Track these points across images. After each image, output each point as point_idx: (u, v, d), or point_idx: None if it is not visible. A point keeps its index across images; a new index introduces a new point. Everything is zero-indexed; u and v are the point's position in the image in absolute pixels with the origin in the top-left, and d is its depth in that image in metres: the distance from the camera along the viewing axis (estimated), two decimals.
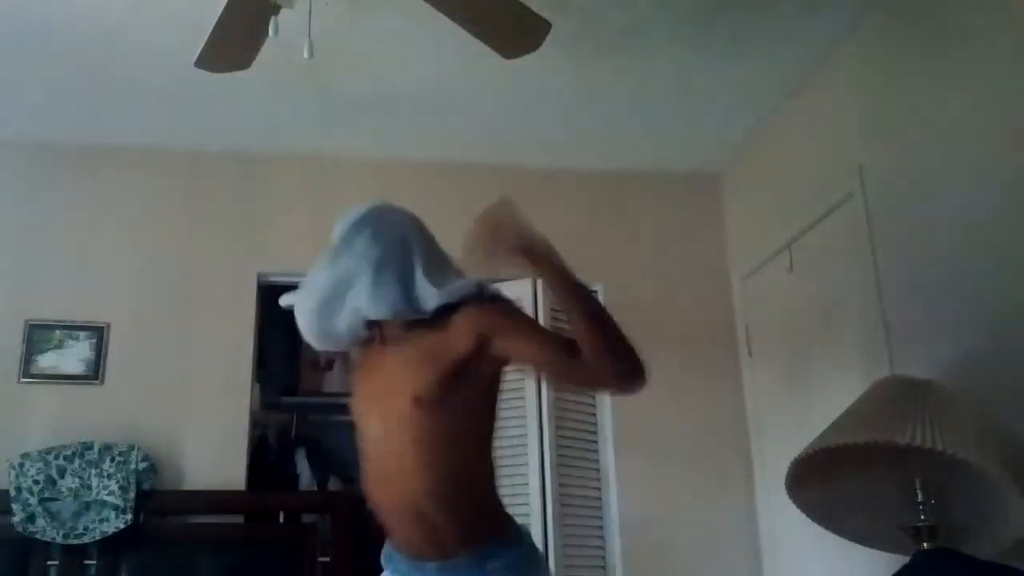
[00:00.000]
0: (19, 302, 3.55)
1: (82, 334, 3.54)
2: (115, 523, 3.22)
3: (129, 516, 3.23)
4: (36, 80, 3.32)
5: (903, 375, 2.52)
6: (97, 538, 3.20)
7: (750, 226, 3.90)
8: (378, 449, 1.87)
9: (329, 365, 4.67)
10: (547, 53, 2.67)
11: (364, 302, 1.90)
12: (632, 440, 3.72)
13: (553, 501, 3.44)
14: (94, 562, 3.23)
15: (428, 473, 1.78)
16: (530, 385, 3.49)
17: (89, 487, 3.25)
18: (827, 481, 2.42)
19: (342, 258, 2.01)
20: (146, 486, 3.31)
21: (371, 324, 1.93)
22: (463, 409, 1.84)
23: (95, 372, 3.52)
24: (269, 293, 3.94)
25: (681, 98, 3.52)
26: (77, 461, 3.28)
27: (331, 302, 1.96)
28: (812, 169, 3.35)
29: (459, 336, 1.82)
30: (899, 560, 2.32)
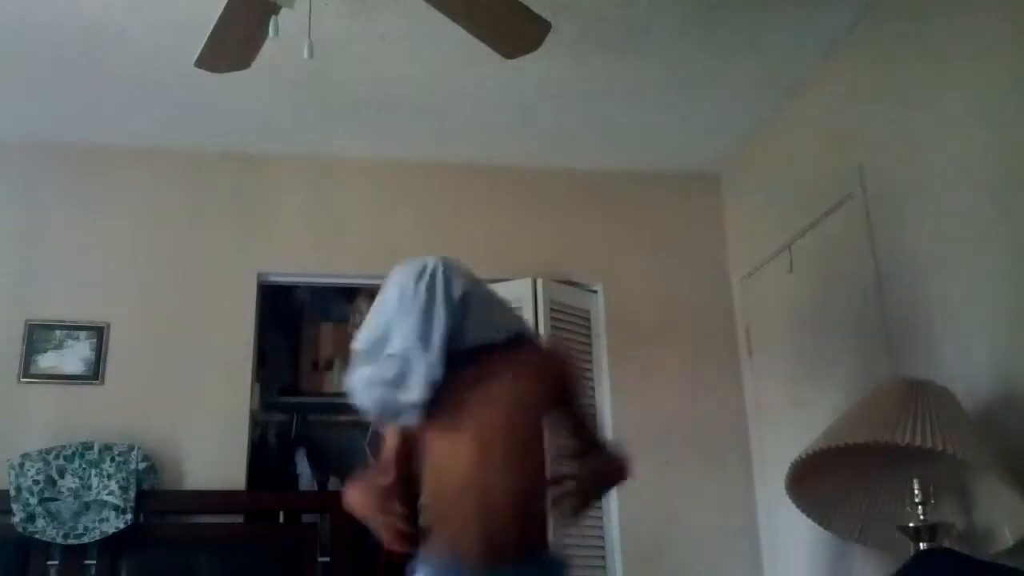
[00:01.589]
0: (19, 302, 3.55)
1: (82, 334, 3.54)
2: (115, 523, 3.22)
3: (129, 516, 3.23)
4: (36, 80, 3.32)
5: (903, 375, 2.52)
6: (97, 538, 3.20)
7: (750, 226, 3.90)
8: (475, 462, 1.99)
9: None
10: (547, 53, 2.67)
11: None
12: (632, 440, 3.70)
13: None
14: (94, 562, 3.23)
15: (523, 480, 2.00)
16: None
17: (89, 487, 3.25)
18: (827, 481, 2.43)
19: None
20: (146, 486, 3.31)
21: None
22: (539, 428, 2.09)
23: (95, 372, 3.51)
24: (269, 293, 3.95)
25: (681, 98, 3.52)
26: (77, 461, 3.28)
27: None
28: (812, 169, 3.35)
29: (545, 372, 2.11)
30: (899, 560, 2.32)
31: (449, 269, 2.13)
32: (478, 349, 2.06)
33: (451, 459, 2.02)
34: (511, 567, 1.96)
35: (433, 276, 2.10)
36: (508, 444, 2.00)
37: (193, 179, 3.84)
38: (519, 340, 2.16)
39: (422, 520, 2.06)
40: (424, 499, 2.08)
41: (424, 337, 2.01)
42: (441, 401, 2.02)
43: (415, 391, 1.99)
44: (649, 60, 3.25)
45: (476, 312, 2.08)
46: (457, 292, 2.07)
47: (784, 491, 2.45)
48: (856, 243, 2.99)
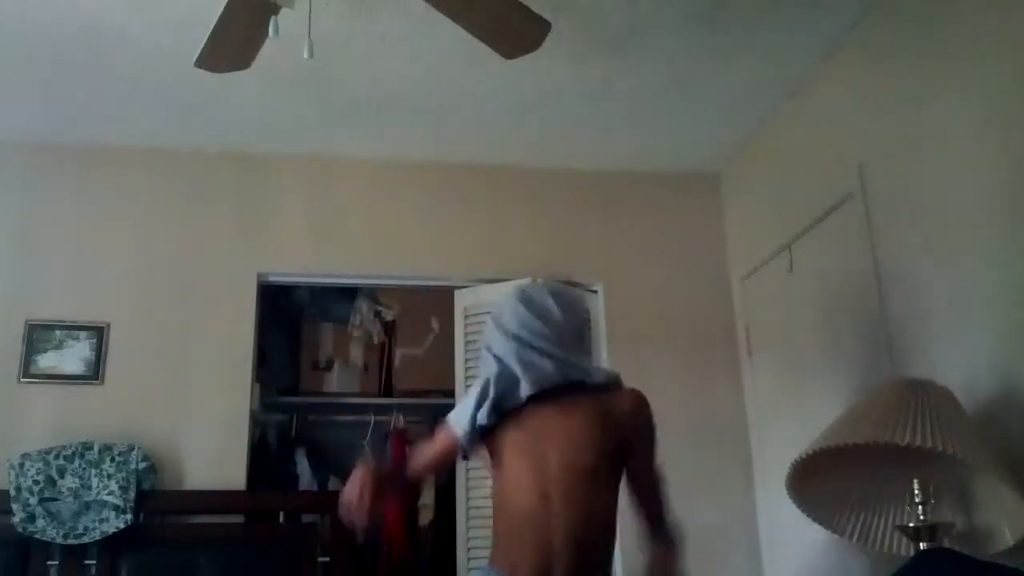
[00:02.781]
0: (19, 302, 3.55)
1: (82, 334, 3.54)
2: (115, 523, 3.22)
3: (129, 516, 3.23)
4: (36, 80, 3.32)
5: (903, 375, 2.52)
6: (97, 538, 3.20)
7: (750, 226, 3.90)
8: (543, 498, 2.08)
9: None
10: (547, 53, 2.67)
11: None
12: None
13: None
14: (94, 562, 3.23)
15: (609, 512, 2.14)
16: None
17: (89, 487, 3.25)
18: (827, 481, 2.43)
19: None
20: (146, 486, 3.31)
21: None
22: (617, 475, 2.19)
23: (95, 372, 3.52)
24: (269, 293, 3.95)
25: (681, 98, 3.52)
26: (77, 461, 3.28)
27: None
28: (812, 169, 3.35)
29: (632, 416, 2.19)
30: (899, 560, 2.32)
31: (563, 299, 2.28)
32: (570, 385, 2.15)
33: (521, 486, 2.10)
34: None
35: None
36: (583, 487, 2.07)
37: (193, 179, 3.84)
38: (610, 385, 2.22)
39: (493, 531, 2.19)
40: (495, 514, 2.19)
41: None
42: (523, 426, 2.14)
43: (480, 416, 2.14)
44: (649, 60, 3.25)
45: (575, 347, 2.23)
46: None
47: (784, 491, 2.45)
48: (856, 243, 2.99)
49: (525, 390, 2.12)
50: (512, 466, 2.14)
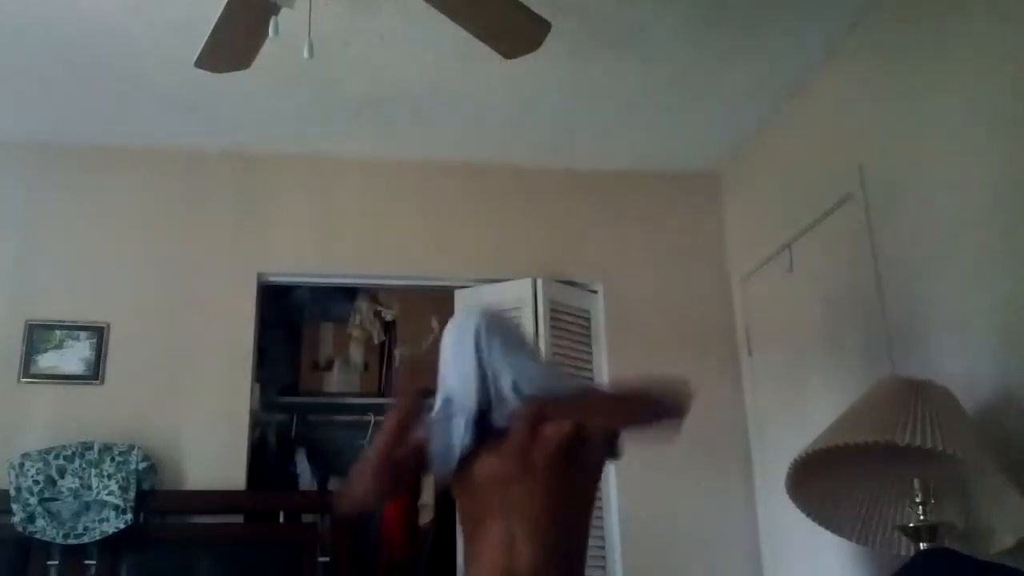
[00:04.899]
0: (19, 302, 3.55)
1: (82, 334, 3.54)
2: (115, 523, 3.22)
3: (129, 516, 3.23)
4: (36, 80, 3.32)
5: (903, 375, 2.52)
6: (97, 538, 3.20)
7: (750, 226, 3.89)
8: (512, 535, 1.96)
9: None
10: (547, 53, 2.67)
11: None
12: (631, 440, 3.71)
13: None
14: (94, 562, 3.22)
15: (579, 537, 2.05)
16: None
17: (89, 487, 3.25)
18: (827, 481, 2.43)
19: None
20: (146, 486, 3.31)
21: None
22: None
23: (95, 372, 3.51)
24: (269, 293, 3.95)
25: (681, 98, 3.52)
26: (77, 461, 3.28)
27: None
28: (812, 169, 3.35)
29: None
30: (899, 560, 2.32)
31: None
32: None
33: (485, 532, 2.00)
34: None
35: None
36: (548, 522, 1.97)
37: (193, 179, 3.84)
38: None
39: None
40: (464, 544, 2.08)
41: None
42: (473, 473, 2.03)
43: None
44: (649, 60, 3.24)
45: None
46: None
47: (784, 491, 2.44)
48: (856, 243, 2.99)
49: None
50: (475, 516, 2.05)
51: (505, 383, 2.03)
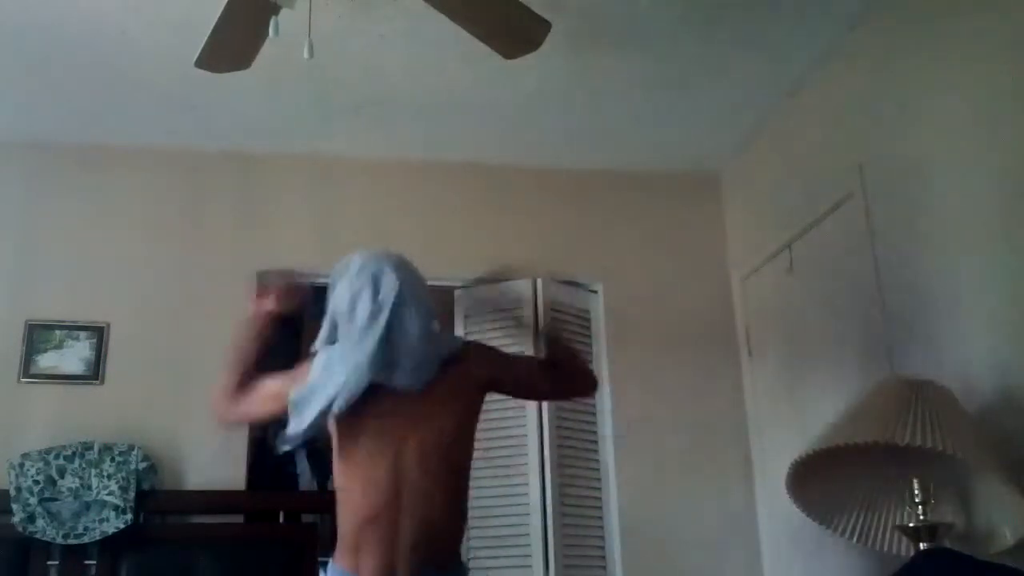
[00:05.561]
0: (19, 302, 3.55)
1: (82, 334, 3.54)
2: (115, 523, 3.22)
3: (129, 516, 3.23)
4: (36, 80, 3.32)
5: (903, 375, 2.52)
6: (97, 538, 3.20)
7: (750, 226, 3.90)
8: (408, 476, 2.06)
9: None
10: (547, 53, 2.67)
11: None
12: (632, 440, 3.72)
13: (553, 501, 3.44)
14: (94, 562, 3.22)
15: (455, 494, 2.09)
16: None
17: (89, 487, 3.25)
18: (827, 481, 2.43)
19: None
20: (146, 486, 3.31)
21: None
22: (471, 436, 2.16)
23: (95, 372, 3.52)
24: None
25: (681, 98, 3.52)
26: (77, 461, 3.28)
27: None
28: (812, 169, 3.35)
29: (480, 372, 2.17)
30: (899, 560, 2.32)
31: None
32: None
33: (370, 485, 2.12)
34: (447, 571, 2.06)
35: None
36: (437, 477, 2.05)
37: (193, 179, 3.84)
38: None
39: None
40: (339, 507, 2.23)
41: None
42: (377, 411, 2.11)
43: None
44: (649, 60, 3.25)
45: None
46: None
47: (784, 491, 2.45)
48: (856, 243, 2.99)
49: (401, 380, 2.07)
50: (362, 460, 2.15)
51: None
